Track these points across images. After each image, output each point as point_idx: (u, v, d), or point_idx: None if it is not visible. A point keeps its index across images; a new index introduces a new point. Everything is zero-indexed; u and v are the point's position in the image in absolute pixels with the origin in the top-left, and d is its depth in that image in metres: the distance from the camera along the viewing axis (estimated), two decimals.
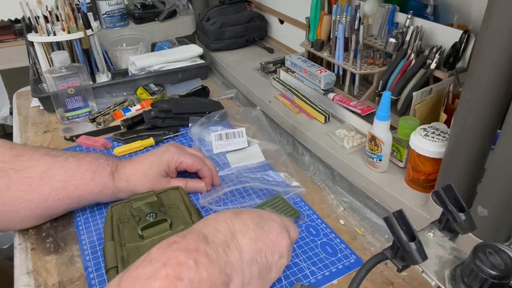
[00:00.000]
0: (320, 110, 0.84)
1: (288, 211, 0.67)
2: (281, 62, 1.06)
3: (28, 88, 1.11)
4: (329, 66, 0.92)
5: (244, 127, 0.87)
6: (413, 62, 0.75)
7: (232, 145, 0.84)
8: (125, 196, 0.67)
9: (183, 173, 0.73)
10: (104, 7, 1.35)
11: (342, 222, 0.68)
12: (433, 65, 0.72)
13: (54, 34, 0.98)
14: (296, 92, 0.91)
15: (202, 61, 1.16)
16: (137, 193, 0.66)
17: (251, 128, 0.89)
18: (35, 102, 1.05)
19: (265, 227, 0.50)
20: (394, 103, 0.74)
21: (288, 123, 0.87)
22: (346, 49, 0.85)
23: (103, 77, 1.10)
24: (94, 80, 1.07)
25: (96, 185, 0.64)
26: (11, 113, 1.39)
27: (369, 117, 0.78)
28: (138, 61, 1.08)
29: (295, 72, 0.97)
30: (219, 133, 0.86)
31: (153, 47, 1.24)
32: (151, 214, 0.61)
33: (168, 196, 0.67)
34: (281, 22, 1.23)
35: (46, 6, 0.98)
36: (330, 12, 0.89)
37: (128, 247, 0.57)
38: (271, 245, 0.49)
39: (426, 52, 0.73)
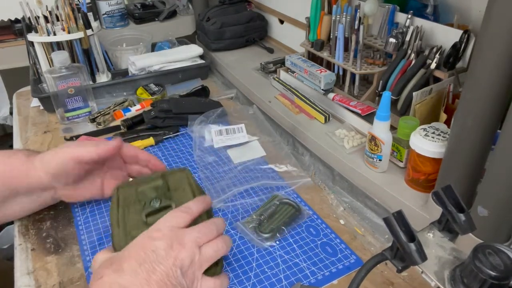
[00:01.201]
0: (320, 110, 0.84)
1: (288, 211, 0.67)
2: (281, 62, 1.06)
3: (28, 88, 1.11)
4: (329, 66, 0.92)
5: (243, 124, 0.88)
6: (413, 62, 0.75)
7: (233, 140, 0.85)
8: (46, 181, 0.62)
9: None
10: (104, 7, 1.35)
11: (342, 222, 0.68)
12: (433, 65, 0.72)
13: (54, 34, 0.98)
14: (296, 92, 0.91)
15: (202, 61, 1.16)
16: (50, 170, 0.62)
17: (250, 125, 0.89)
18: (35, 102, 1.05)
19: (150, 258, 0.46)
20: (394, 103, 0.73)
21: (288, 123, 0.87)
22: (346, 49, 0.85)
23: (103, 77, 1.10)
24: (94, 80, 1.07)
25: (12, 168, 0.61)
26: (11, 113, 1.38)
27: (369, 117, 0.78)
28: (138, 61, 1.08)
29: (295, 72, 0.97)
30: (219, 129, 0.87)
31: (153, 47, 1.24)
32: (156, 199, 0.59)
33: (174, 178, 0.64)
34: (281, 22, 1.23)
35: (46, 6, 0.98)
36: (330, 12, 0.89)
37: (133, 236, 0.55)
38: (165, 270, 0.46)
39: (426, 52, 0.73)
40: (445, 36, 0.72)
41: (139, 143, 0.85)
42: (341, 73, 0.89)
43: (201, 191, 0.64)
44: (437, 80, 0.73)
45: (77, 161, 0.61)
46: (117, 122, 0.95)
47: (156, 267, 0.46)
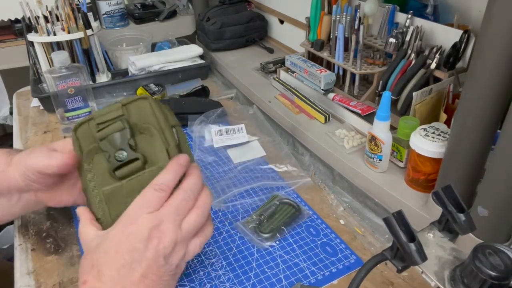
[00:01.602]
0: (320, 110, 0.84)
1: (288, 211, 0.67)
2: (281, 62, 1.06)
3: (28, 88, 1.10)
4: (329, 66, 0.92)
5: (243, 124, 0.88)
6: (413, 62, 0.75)
7: (233, 140, 0.85)
8: (21, 183, 0.57)
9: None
10: (104, 7, 1.35)
11: (342, 222, 0.68)
12: (433, 65, 0.72)
13: (54, 34, 0.98)
14: (296, 92, 0.91)
15: (202, 61, 1.16)
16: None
17: (250, 125, 0.90)
18: (35, 102, 1.05)
19: (128, 260, 0.44)
20: (394, 103, 0.73)
21: (288, 123, 0.87)
22: (346, 49, 0.85)
23: (103, 77, 1.10)
24: (94, 80, 1.07)
25: None
26: (11, 113, 1.39)
27: (369, 117, 0.78)
28: (138, 61, 1.08)
29: (295, 72, 0.97)
30: (219, 129, 0.87)
31: (153, 47, 1.24)
32: (121, 151, 0.52)
33: (138, 112, 0.54)
34: (281, 22, 1.23)
35: (46, 6, 0.98)
36: (330, 12, 0.89)
37: (105, 195, 0.51)
38: (145, 268, 0.44)
39: (426, 52, 0.73)
40: (445, 36, 0.72)
41: None
42: (341, 73, 0.89)
43: (171, 127, 0.54)
44: (437, 80, 0.73)
45: (42, 173, 0.56)
46: None
47: (135, 267, 0.44)
